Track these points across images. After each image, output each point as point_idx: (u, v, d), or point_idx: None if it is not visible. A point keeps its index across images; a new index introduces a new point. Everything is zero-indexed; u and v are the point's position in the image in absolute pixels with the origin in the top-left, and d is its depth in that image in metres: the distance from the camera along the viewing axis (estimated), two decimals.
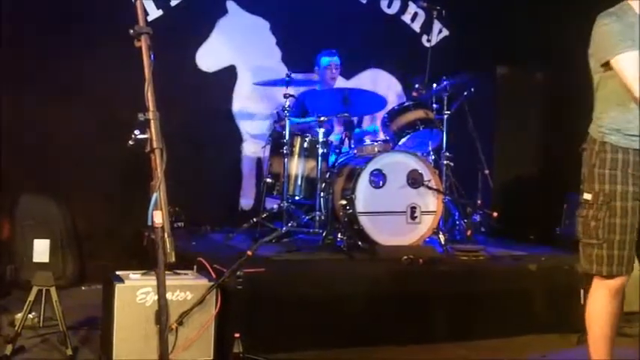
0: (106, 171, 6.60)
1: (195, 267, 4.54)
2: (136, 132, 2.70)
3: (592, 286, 3.71)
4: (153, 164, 2.65)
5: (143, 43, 2.75)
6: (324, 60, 6.83)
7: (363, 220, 5.54)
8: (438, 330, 4.94)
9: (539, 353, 4.82)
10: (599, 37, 3.62)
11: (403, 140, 6.12)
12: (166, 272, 2.82)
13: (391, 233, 5.62)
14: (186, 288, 4.16)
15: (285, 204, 6.04)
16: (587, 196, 3.70)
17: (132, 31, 2.76)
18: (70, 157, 6.53)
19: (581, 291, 5.01)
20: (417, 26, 7.94)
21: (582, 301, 4.98)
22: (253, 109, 7.40)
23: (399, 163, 5.75)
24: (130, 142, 2.71)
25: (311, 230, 5.96)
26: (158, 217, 2.60)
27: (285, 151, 6.02)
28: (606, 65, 3.58)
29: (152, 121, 2.69)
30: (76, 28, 6.54)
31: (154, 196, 2.59)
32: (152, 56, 2.77)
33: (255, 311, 4.43)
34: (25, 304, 4.37)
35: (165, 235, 2.60)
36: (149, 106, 2.70)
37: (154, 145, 2.66)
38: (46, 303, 4.59)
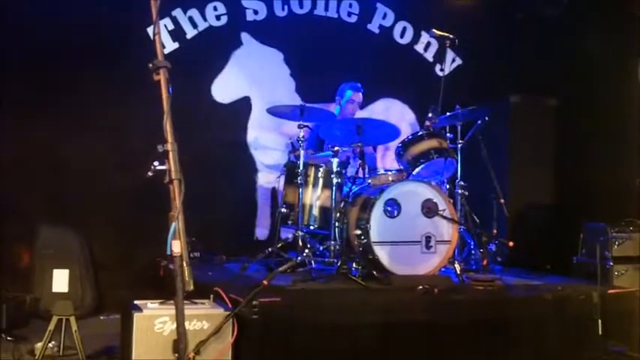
0: (122, 200, 6.66)
1: (211, 296, 4.55)
2: (155, 163, 2.74)
3: None
4: (172, 195, 2.69)
5: (162, 77, 2.80)
6: (349, 93, 6.92)
7: (378, 250, 5.55)
8: None
9: None
10: None
11: (417, 170, 6.13)
12: (184, 301, 2.84)
13: (406, 263, 5.61)
14: (202, 317, 4.18)
15: (300, 234, 6.06)
16: None
17: (151, 65, 2.81)
18: (86, 186, 6.61)
19: (599, 321, 4.99)
20: (430, 56, 8.01)
21: (600, 331, 4.96)
22: (268, 139, 7.46)
23: (413, 192, 5.76)
24: (149, 173, 2.75)
25: (326, 260, 5.97)
26: (177, 247, 2.63)
27: (299, 181, 6.05)
28: None
29: (171, 153, 2.73)
30: (91, 59, 6.64)
31: (173, 225, 2.62)
32: (170, 89, 2.82)
33: (271, 340, 4.44)
34: (44, 334, 4.40)
35: (184, 264, 2.63)
36: (167, 137, 2.74)
37: (173, 175, 2.70)
38: (65, 332, 4.61)
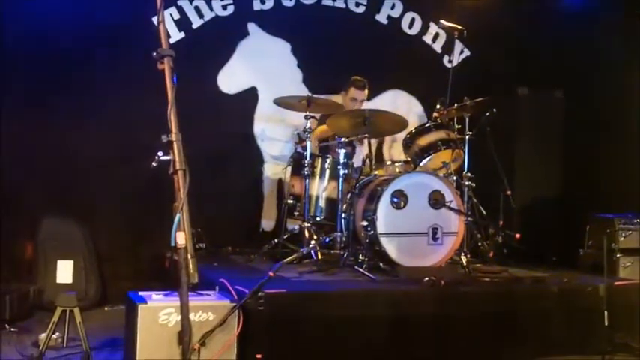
0: (127, 193, 6.65)
1: (217, 288, 4.54)
2: (159, 153, 2.71)
3: None
4: (176, 185, 2.66)
5: (166, 66, 2.78)
6: (352, 91, 6.84)
7: (385, 242, 5.53)
8: (459, 352, 4.89)
9: None
10: None
11: (425, 161, 6.11)
12: (189, 293, 2.82)
13: (413, 254, 5.59)
14: (208, 309, 4.16)
15: (307, 225, 6.04)
16: None
17: (155, 53, 2.79)
18: (90, 179, 6.61)
19: (605, 312, 4.96)
20: (438, 47, 7.96)
21: (606, 322, 4.93)
22: (274, 130, 7.43)
23: (420, 184, 5.73)
24: (153, 164, 2.73)
25: (332, 251, 5.95)
26: (181, 238, 2.61)
27: (306, 173, 6.04)
28: None
29: (175, 143, 2.70)
30: (96, 52, 6.65)
31: (177, 217, 2.60)
32: (175, 78, 2.79)
33: (277, 331, 4.43)
34: (47, 325, 4.39)
35: (189, 256, 2.61)
36: (172, 128, 2.72)
37: (177, 166, 2.68)
38: (70, 323, 4.61)
